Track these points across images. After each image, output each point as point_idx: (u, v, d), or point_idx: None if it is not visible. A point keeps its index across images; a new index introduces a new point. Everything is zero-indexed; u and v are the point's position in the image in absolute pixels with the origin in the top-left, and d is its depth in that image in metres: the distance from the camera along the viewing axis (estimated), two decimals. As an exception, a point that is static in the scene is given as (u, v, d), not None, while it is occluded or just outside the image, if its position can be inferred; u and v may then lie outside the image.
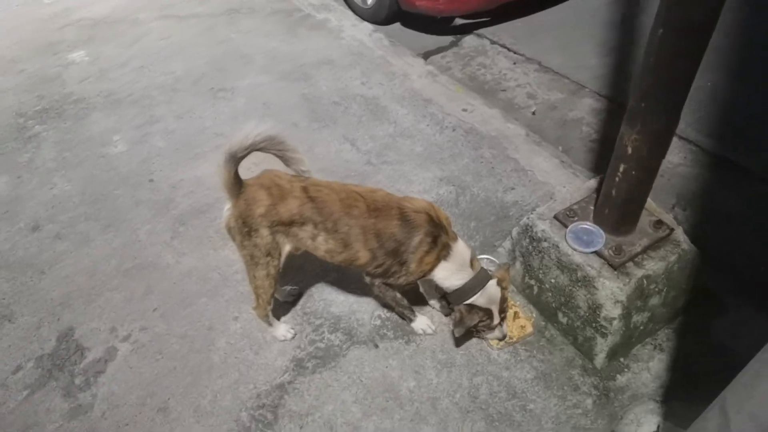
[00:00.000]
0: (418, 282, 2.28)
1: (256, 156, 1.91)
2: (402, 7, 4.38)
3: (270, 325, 2.28)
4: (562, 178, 2.91)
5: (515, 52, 4.22)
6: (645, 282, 2.00)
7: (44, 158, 3.55)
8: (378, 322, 2.35)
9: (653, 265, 2.01)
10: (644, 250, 2.04)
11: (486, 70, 4.08)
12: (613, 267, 1.99)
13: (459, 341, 2.23)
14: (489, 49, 4.31)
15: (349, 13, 4.76)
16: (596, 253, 2.04)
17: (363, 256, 1.94)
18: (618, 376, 2.10)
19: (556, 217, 2.20)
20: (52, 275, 2.74)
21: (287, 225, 1.92)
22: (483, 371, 2.15)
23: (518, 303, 2.34)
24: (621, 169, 1.88)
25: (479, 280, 2.01)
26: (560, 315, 2.20)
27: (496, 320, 2.06)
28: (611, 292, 1.96)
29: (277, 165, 2.03)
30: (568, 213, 2.18)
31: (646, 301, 2.05)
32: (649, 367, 2.11)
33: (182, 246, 2.80)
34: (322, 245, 1.95)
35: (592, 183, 2.35)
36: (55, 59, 4.69)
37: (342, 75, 3.92)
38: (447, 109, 3.48)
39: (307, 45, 4.32)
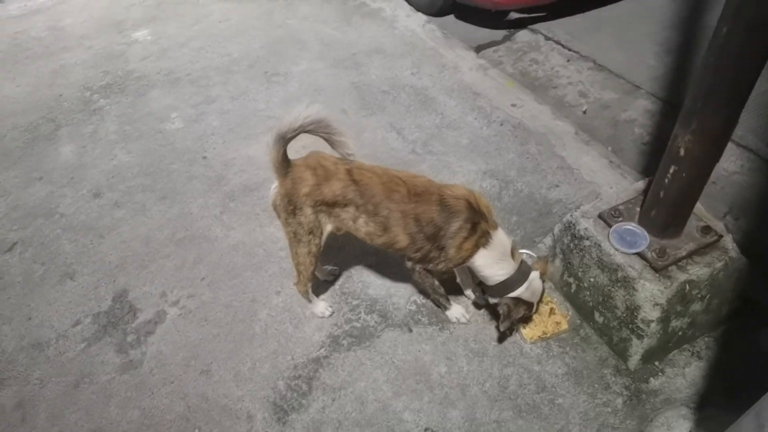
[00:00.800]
0: (456, 271, 2.33)
1: (304, 139, 1.99)
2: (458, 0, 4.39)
3: (309, 301, 2.37)
4: (610, 178, 2.87)
5: (569, 49, 4.16)
6: (687, 287, 1.97)
7: (107, 130, 3.75)
8: (413, 308, 2.41)
9: (697, 271, 1.98)
10: (689, 255, 2.01)
11: (538, 66, 4.04)
12: (656, 269, 1.98)
13: (502, 335, 2.25)
14: (543, 45, 4.26)
15: (404, 3, 4.78)
16: (639, 254, 2.03)
17: (402, 240, 1.99)
18: (651, 379, 2.08)
19: (600, 216, 2.19)
20: (111, 240, 2.91)
21: (330, 205, 1.99)
22: (514, 363, 2.17)
23: (555, 300, 2.35)
24: (671, 170, 1.86)
25: (523, 273, 2.03)
26: (597, 314, 2.20)
27: (533, 311, 2.09)
28: (651, 295, 1.95)
29: (324, 148, 2.10)
30: (613, 213, 2.17)
31: (687, 307, 2.03)
32: (684, 373, 2.09)
33: (231, 221, 2.93)
34: (362, 227, 2.02)
35: (641, 185, 2.32)
36: (121, 37, 4.92)
37: (393, 64, 3.97)
38: (496, 102, 3.47)
39: (361, 33, 4.38)
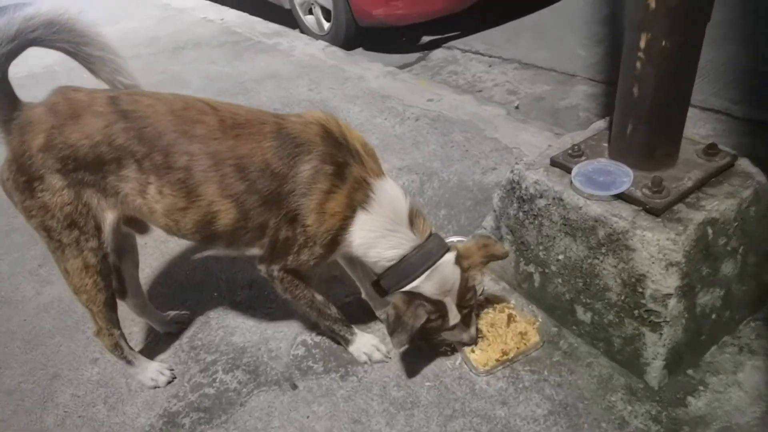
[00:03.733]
0: (351, 273, 1.50)
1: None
2: (359, 24, 3.91)
3: (129, 362, 1.47)
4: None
5: (490, 56, 3.68)
6: (710, 231, 1.22)
7: None
8: (301, 351, 1.54)
9: (718, 205, 1.24)
10: (698, 186, 1.28)
11: (458, 76, 3.51)
12: (655, 212, 1.22)
13: (410, 367, 1.40)
14: (460, 58, 3.78)
15: (304, 36, 4.29)
16: (622, 196, 1.28)
17: (224, 211, 1.16)
18: (690, 398, 1.25)
19: (553, 162, 1.46)
20: None
21: (95, 167, 1.16)
22: (464, 411, 1.30)
23: (513, 303, 1.54)
24: (644, 40, 1.18)
25: (427, 253, 1.22)
26: (580, 310, 1.39)
27: (454, 318, 1.26)
28: (658, 249, 1.17)
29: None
30: (570, 153, 1.44)
31: (716, 267, 1.26)
32: (739, 381, 1.27)
33: (51, 274, 2.04)
34: (156, 202, 1.18)
35: (601, 123, 1.64)
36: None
37: (287, 85, 3.34)
38: (408, 101, 2.84)
39: (252, 65, 3.80)
